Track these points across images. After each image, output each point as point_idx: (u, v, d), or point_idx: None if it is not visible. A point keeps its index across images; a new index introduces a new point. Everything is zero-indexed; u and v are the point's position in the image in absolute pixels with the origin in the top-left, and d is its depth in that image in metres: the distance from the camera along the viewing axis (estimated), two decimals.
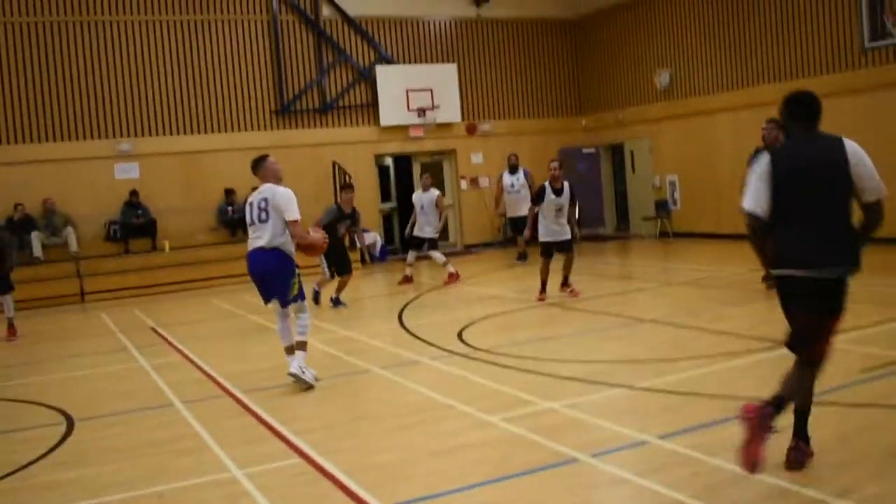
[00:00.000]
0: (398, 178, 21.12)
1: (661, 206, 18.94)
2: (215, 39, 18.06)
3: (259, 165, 7.59)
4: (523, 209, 14.91)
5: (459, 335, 9.13)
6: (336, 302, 12.15)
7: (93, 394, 7.82)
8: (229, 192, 17.78)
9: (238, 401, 6.96)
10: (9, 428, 6.81)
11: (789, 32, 16.19)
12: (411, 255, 14.51)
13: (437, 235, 14.46)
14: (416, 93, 19.39)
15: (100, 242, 16.91)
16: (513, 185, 16.52)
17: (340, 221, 11.96)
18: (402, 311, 11.29)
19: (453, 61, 20.26)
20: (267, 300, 7.65)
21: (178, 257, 16.80)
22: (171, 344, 10.03)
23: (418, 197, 14.53)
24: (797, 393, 4.56)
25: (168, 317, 12.65)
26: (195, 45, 17.88)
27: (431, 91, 19.48)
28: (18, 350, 10.91)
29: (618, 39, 20.68)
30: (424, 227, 14.30)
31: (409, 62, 19.88)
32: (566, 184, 11.39)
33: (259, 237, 7.29)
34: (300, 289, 7.47)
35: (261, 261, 7.34)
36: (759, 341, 7.72)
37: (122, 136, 17.30)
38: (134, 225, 16.85)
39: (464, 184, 20.55)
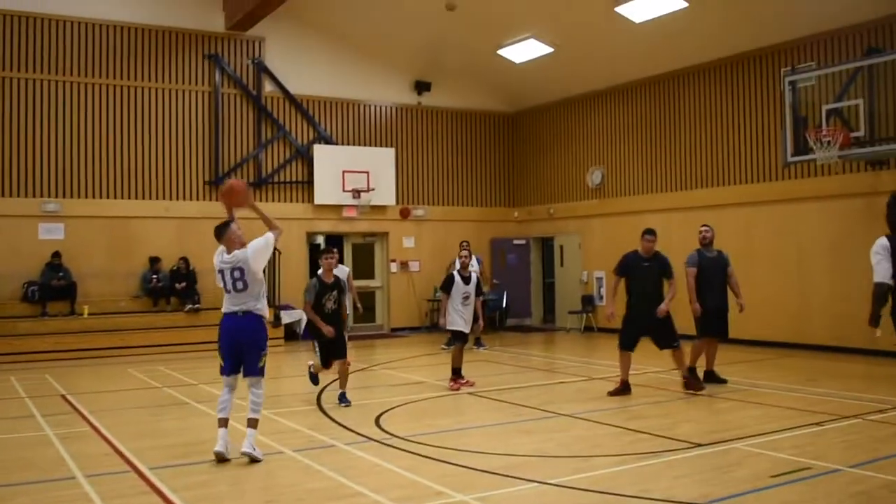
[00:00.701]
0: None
1: (588, 301, 19.24)
2: (155, 107, 18.04)
3: (222, 232, 7.67)
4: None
5: (377, 421, 9.05)
6: (342, 399, 10.07)
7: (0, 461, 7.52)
8: (155, 261, 17.53)
9: (144, 478, 6.74)
10: None
11: (719, 142, 16.91)
12: None
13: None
14: (352, 174, 19.55)
15: (16, 303, 16.43)
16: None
17: (325, 295, 9.99)
18: (321, 392, 11.14)
19: (392, 145, 20.58)
20: (231, 370, 7.68)
21: (97, 323, 16.39)
22: (80, 414, 9.71)
23: None
24: None
25: (81, 385, 12.27)
26: (134, 111, 17.83)
27: (368, 173, 19.68)
28: None
29: (552, 136, 21.29)
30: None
31: (348, 143, 20.09)
32: (474, 273, 11.64)
33: (237, 304, 7.57)
34: (265, 362, 7.57)
35: (238, 326, 7.56)
36: (675, 441, 7.82)
37: (49, 195, 17.00)
38: (54, 287, 16.43)
39: (394, 267, 20.63)
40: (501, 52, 18.90)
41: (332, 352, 10.16)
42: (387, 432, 8.41)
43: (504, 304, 20.94)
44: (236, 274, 7.51)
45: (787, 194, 15.39)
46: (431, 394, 11.10)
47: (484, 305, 14.62)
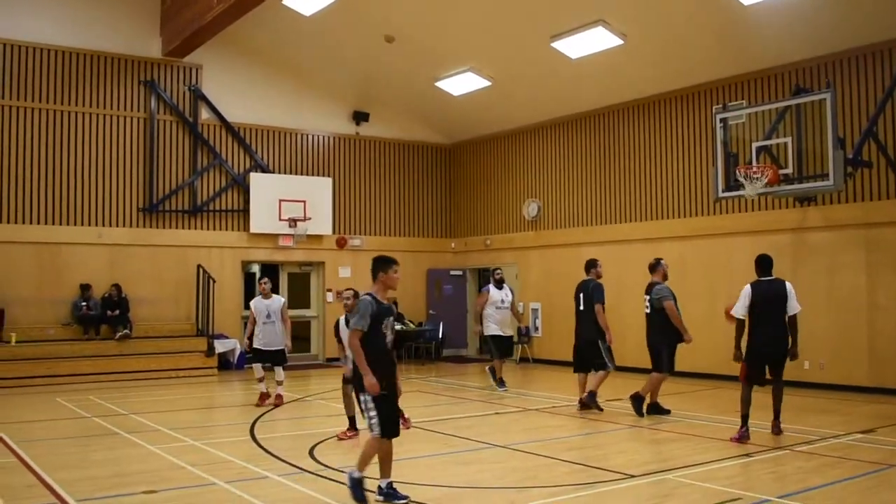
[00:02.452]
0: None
1: (524, 332, 19.34)
2: (89, 132, 17.74)
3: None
4: (510, 327, 15.23)
5: (311, 452, 8.96)
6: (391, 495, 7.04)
7: None
8: (86, 287, 17.16)
9: None
10: None
11: (653, 176, 17.26)
12: (259, 369, 12.99)
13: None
14: (288, 203, 19.45)
15: None
16: (502, 301, 14.97)
17: (384, 320, 6.99)
18: (255, 422, 11.01)
19: (329, 175, 20.55)
20: None
21: (26, 351, 15.95)
22: (5, 444, 9.41)
23: (262, 305, 13.02)
24: None
25: (7, 414, 11.89)
26: (68, 136, 17.51)
27: (304, 202, 19.59)
28: None
29: (489, 168, 21.51)
30: (274, 338, 12.93)
31: (285, 172, 20.00)
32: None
33: None
34: None
35: None
36: (608, 472, 7.90)
37: None
38: None
39: (330, 296, 20.50)
40: (439, 84, 19.05)
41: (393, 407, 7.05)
42: (321, 464, 8.34)
43: (440, 335, 20.96)
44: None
45: (719, 229, 15.78)
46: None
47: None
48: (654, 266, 11.71)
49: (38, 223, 17.13)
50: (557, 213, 19.48)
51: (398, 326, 14.99)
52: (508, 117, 20.25)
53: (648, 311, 11.54)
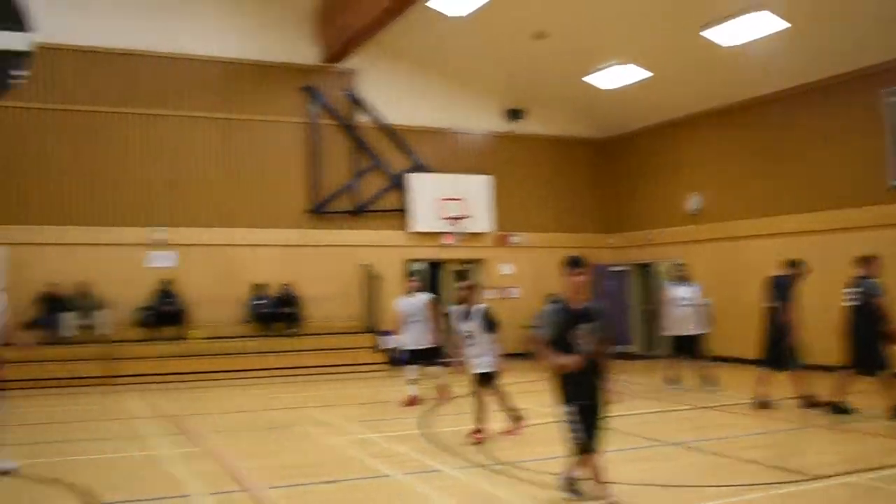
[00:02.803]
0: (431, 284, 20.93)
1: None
2: (254, 138, 18.62)
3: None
4: (692, 326, 14.16)
5: (483, 447, 9.02)
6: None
7: (115, 477, 7.77)
8: (259, 286, 17.97)
9: (257, 498, 6.88)
10: None
11: (818, 166, 16.41)
12: (413, 370, 12.67)
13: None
14: (448, 201, 19.71)
15: (129, 327, 17.04)
16: (683, 298, 14.32)
17: (571, 328, 6.52)
18: (425, 417, 11.21)
19: (486, 172, 20.65)
20: None
21: (207, 347, 16.88)
22: (194, 434, 9.98)
23: (407, 303, 12.85)
24: None
25: (194, 406, 12.66)
26: (234, 142, 18.46)
27: (464, 201, 19.80)
28: (46, 429, 10.92)
29: (646, 161, 21.08)
30: (422, 337, 12.66)
31: (443, 171, 20.25)
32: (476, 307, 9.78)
33: None
34: None
35: None
36: (790, 472, 7.60)
37: (157, 224, 17.66)
38: (165, 312, 17.01)
39: (491, 293, 20.58)
40: (590, 78, 18.81)
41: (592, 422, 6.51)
42: (493, 458, 8.40)
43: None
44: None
45: (892, 218, 14.84)
46: (536, 420, 11.01)
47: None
48: (867, 261, 10.91)
49: (214, 226, 18.10)
50: (721, 205, 18.86)
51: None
52: (663, 109, 19.77)
53: (852, 304, 10.75)
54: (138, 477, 7.87)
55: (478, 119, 21.01)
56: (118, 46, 17.57)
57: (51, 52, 16.34)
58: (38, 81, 16.51)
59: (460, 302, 9.93)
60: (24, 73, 16.53)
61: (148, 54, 17.85)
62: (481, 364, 9.54)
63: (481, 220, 20.15)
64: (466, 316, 9.71)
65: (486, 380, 9.70)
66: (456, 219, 19.67)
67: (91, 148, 17.37)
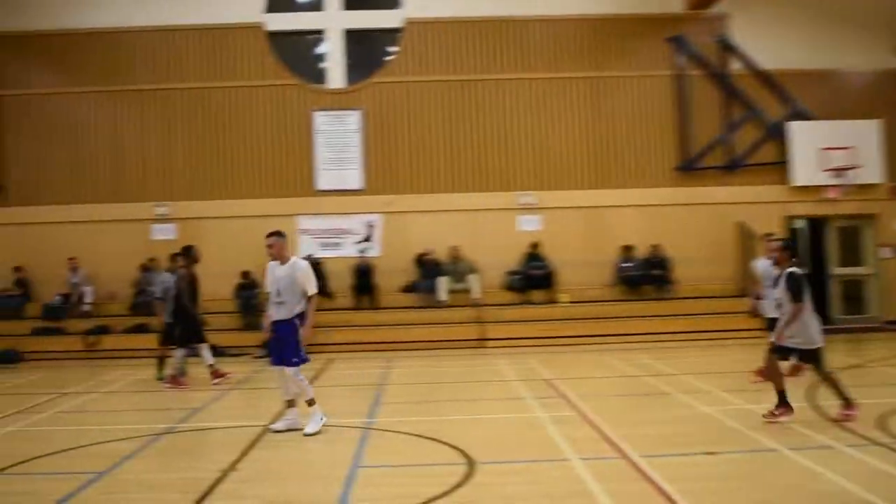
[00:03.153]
0: (812, 244, 19.28)
1: None
2: (618, 96, 18.32)
3: None
4: None
5: (881, 422, 8.00)
6: None
7: (492, 439, 7.96)
8: (627, 248, 17.70)
9: (635, 466, 6.62)
10: (412, 462, 7.12)
11: None
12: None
13: None
14: (833, 151, 17.93)
15: (499, 291, 17.63)
16: None
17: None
18: (810, 388, 10.24)
19: (877, 117, 18.41)
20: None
21: (575, 311, 16.98)
22: (567, 399, 9.97)
23: (765, 267, 11.15)
24: None
25: (564, 371, 12.69)
26: (598, 102, 18.31)
27: (851, 149, 17.87)
28: (414, 390, 11.61)
29: None
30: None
31: (827, 118, 18.40)
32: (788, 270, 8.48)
33: None
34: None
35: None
36: None
37: (525, 188, 18.05)
38: (533, 276, 17.35)
39: (886, 252, 18.49)
40: None
41: None
42: (894, 437, 7.39)
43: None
44: None
45: None
46: None
47: None
48: None
49: (579, 188, 18.10)
50: None
51: None
52: None
53: None
54: (516, 439, 7.98)
55: (864, 56, 18.73)
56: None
57: None
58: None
59: (773, 263, 8.92)
60: (396, 48, 17.94)
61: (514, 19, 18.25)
62: (793, 341, 8.29)
63: (871, 169, 18.05)
64: (776, 281, 8.68)
65: (808, 358, 8.44)
66: (842, 169, 17.82)
67: (475, 114, 18.25)
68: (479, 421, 8.99)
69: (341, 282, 17.35)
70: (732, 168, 18.25)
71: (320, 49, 18.83)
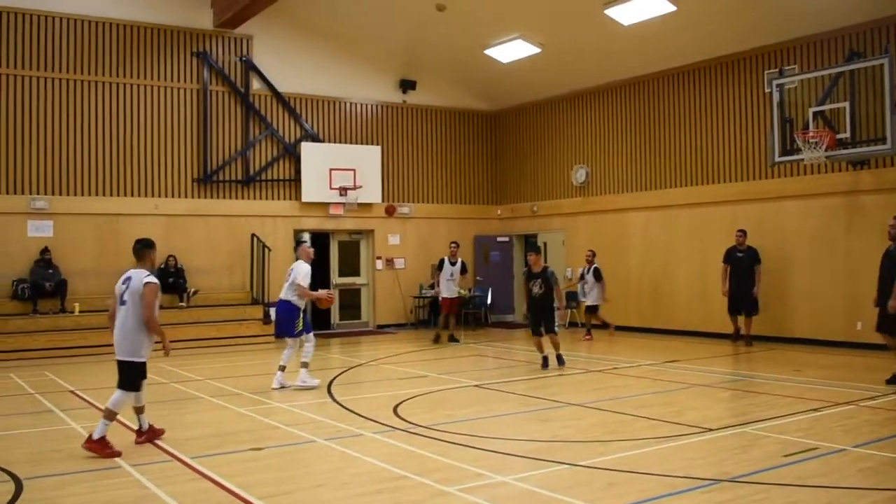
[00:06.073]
0: (318, 256, 20.94)
1: (572, 297, 19.58)
2: (144, 104, 18.07)
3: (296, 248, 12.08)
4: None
5: (395, 411, 9.34)
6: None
7: (35, 454, 7.64)
8: None
9: (190, 467, 6.97)
10: None
11: (702, 142, 17.37)
12: None
13: None
14: (338, 172, 19.76)
15: (6, 301, 16.42)
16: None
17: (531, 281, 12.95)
18: (329, 385, 11.43)
19: (377, 143, 20.82)
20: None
21: (89, 320, 16.40)
22: (97, 408, 9.84)
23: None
24: None
25: (85, 381, 12.32)
26: (123, 108, 17.84)
27: (354, 171, 19.89)
28: None
29: (536, 134, 21.68)
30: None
31: (335, 141, 20.29)
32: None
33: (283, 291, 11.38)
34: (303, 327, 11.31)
35: (279, 307, 11.49)
36: (686, 426, 8.22)
37: (37, 192, 16.98)
38: (44, 285, 16.45)
39: (379, 264, 20.87)
40: (488, 51, 19.19)
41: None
42: (409, 422, 8.71)
43: (488, 301, 21.31)
44: (289, 274, 11.43)
45: (769, 193, 15.90)
46: (439, 386, 11.42)
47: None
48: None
49: (97, 195, 17.55)
50: (606, 178, 19.66)
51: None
52: (557, 83, 20.37)
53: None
54: (62, 451, 7.77)
55: (371, 89, 21.07)
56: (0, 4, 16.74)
57: None
58: None
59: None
60: None
61: (34, 13, 16.92)
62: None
63: (371, 190, 20.28)
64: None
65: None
66: (346, 189, 19.75)
67: None
68: (13, 437, 8.51)
69: None
70: (249, 182, 19.14)
71: None
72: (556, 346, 13.16)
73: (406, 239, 21.19)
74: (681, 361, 13.46)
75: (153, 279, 7.72)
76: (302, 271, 11.25)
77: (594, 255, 17.89)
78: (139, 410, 7.89)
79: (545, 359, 13.04)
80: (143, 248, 7.96)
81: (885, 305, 10.85)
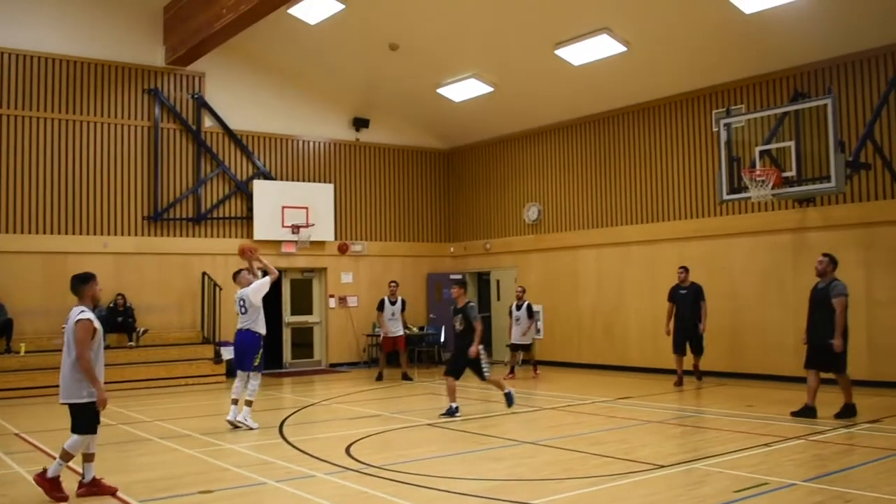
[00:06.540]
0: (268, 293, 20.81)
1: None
2: (93, 141, 17.86)
3: (235, 276, 11.74)
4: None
5: (347, 451, 9.24)
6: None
7: None
8: None
9: None
10: None
11: (653, 180, 17.64)
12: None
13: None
14: (291, 209, 19.68)
15: None
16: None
17: (454, 317, 12.26)
18: (281, 426, 11.28)
19: (330, 181, 20.80)
20: (237, 367, 11.50)
21: (36, 361, 16.03)
22: (43, 451, 9.60)
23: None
24: None
25: (31, 423, 12.01)
26: (72, 145, 17.61)
27: (307, 209, 19.83)
28: None
29: (489, 172, 21.84)
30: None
31: (287, 179, 20.23)
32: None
33: (241, 323, 11.29)
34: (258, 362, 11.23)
35: (241, 338, 11.33)
36: (639, 463, 8.24)
37: None
38: None
39: (332, 302, 20.74)
40: (441, 90, 19.36)
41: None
42: (361, 462, 8.61)
43: (442, 339, 21.26)
44: (241, 302, 11.29)
45: (718, 230, 16.19)
46: (392, 426, 11.34)
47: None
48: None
49: (45, 233, 17.24)
50: (558, 216, 19.83)
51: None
52: (509, 122, 20.59)
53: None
54: (7, 497, 7.56)
55: (324, 127, 21.08)
56: None
57: None
58: None
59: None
60: None
61: None
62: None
63: (324, 228, 20.21)
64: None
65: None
66: (298, 227, 19.66)
67: None
68: None
69: None
70: (200, 220, 18.96)
71: None
72: (497, 386, 12.63)
73: (359, 277, 21.12)
74: (633, 398, 13.54)
75: (88, 315, 7.29)
76: (255, 289, 11.18)
77: (524, 291, 17.74)
78: (87, 458, 7.48)
79: (451, 409, 11.95)
80: (79, 285, 7.56)
81: (813, 343, 11.08)
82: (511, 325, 17.44)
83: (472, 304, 12.13)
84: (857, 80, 14.32)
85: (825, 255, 11.26)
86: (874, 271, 13.98)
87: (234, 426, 10.98)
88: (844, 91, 14.40)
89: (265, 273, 11.35)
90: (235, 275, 11.73)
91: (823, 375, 11.28)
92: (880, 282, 13.90)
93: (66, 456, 7.29)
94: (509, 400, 12.42)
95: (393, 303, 17.39)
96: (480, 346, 11.87)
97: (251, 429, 10.87)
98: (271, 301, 20.31)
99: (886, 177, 13.85)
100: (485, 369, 11.96)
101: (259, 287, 11.20)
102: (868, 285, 13.98)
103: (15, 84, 17.09)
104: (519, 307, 17.29)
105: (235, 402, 11.15)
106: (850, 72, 14.42)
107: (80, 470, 7.51)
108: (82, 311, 7.35)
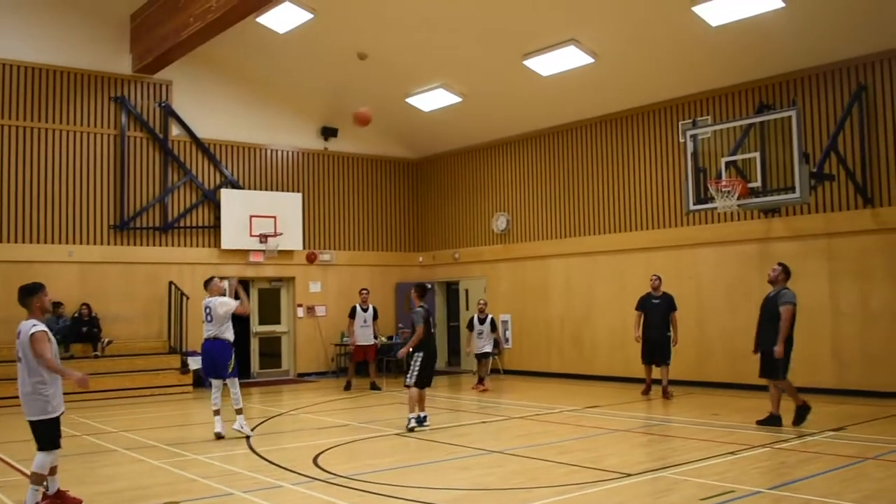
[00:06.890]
0: None
1: (494, 344, 19.58)
2: (59, 149, 17.66)
3: (207, 284, 11.66)
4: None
5: (315, 461, 9.19)
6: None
7: None
8: (57, 306, 17.03)
9: None
10: None
11: (620, 190, 17.80)
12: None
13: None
14: (259, 218, 19.59)
15: None
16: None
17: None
18: (248, 437, 11.20)
19: (298, 190, 20.73)
20: (208, 375, 11.43)
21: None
22: (8, 463, 9.46)
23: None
24: None
25: None
26: (38, 153, 17.39)
27: (275, 218, 19.75)
28: None
29: (457, 182, 21.89)
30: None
31: (255, 188, 20.14)
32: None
33: (208, 331, 11.27)
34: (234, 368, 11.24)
35: (210, 347, 11.28)
36: (606, 472, 8.28)
37: None
38: None
39: (300, 312, 20.65)
40: (410, 100, 19.38)
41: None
42: (329, 472, 8.58)
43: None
44: (207, 311, 11.30)
45: (685, 240, 16.36)
46: (360, 435, 11.30)
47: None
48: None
49: (8, 241, 17.00)
50: (526, 226, 19.92)
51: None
52: (478, 132, 20.67)
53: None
54: None
55: (293, 136, 21.02)
56: None
57: None
58: None
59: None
60: None
61: None
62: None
63: (292, 237, 20.14)
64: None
65: None
66: (266, 236, 19.57)
67: None
68: None
69: None
70: (167, 229, 18.80)
71: None
72: (410, 404, 11.68)
73: (327, 286, 21.05)
74: (601, 407, 13.61)
75: (40, 326, 7.09)
76: (223, 302, 11.22)
77: (486, 304, 17.69)
78: (51, 470, 7.32)
79: (419, 418, 11.57)
80: (26, 296, 7.30)
81: (763, 351, 11.25)
82: (471, 338, 17.45)
83: (419, 308, 11.65)
84: (821, 93, 14.56)
85: (779, 264, 11.54)
86: (838, 281, 14.19)
87: (222, 437, 10.94)
88: (808, 103, 14.65)
89: (237, 296, 11.39)
90: (207, 282, 11.68)
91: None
92: (844, 291, 14.11)
93: (39, 478, 7.06)
94: (418, 423, 11.51)
95: (365, 310, 17.35)
96: (420, 353, 11.51)
97: (249, 435, 11.02)
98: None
99: (850, 188, 14.08)
100: (408, 374, 11.56)
101: (227, 302, 11.25)
102: (832, 295, 14.19)
103: None
104: (482, 321, 17.23)
105: (218, 412, 11.11)
106: (815, 84, 14.67)
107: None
108: (34, 325, 7.10)
